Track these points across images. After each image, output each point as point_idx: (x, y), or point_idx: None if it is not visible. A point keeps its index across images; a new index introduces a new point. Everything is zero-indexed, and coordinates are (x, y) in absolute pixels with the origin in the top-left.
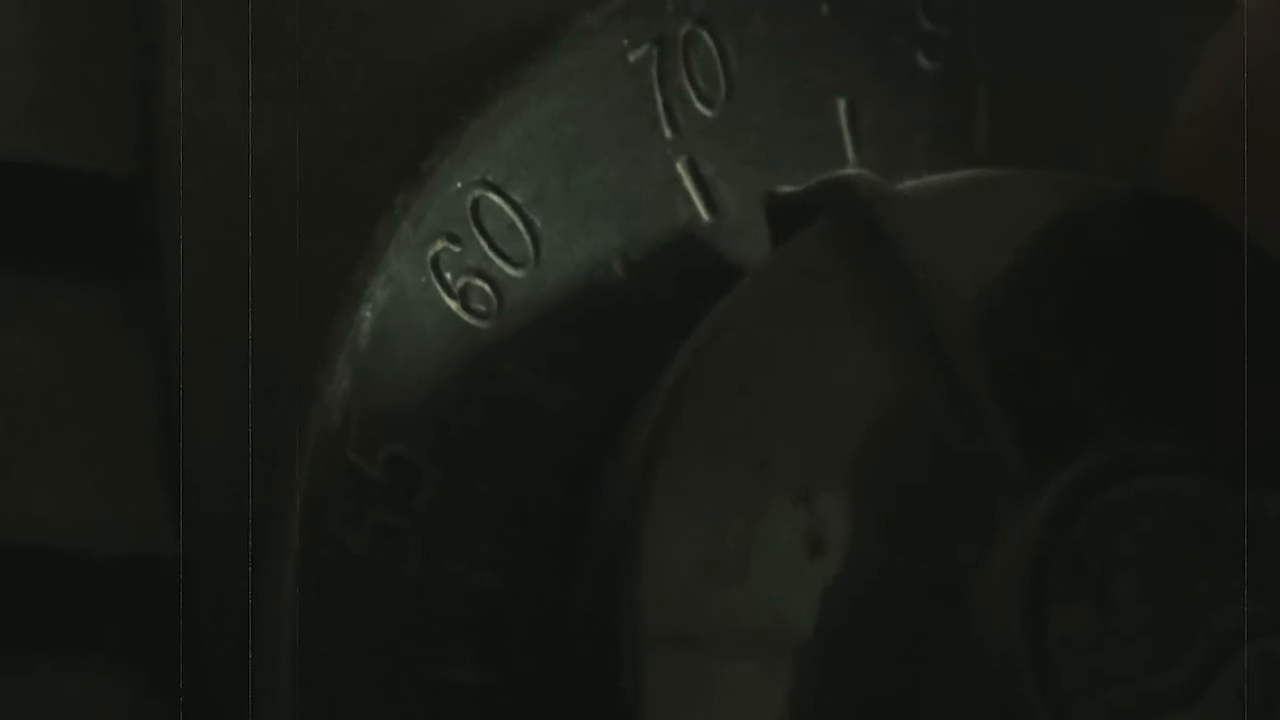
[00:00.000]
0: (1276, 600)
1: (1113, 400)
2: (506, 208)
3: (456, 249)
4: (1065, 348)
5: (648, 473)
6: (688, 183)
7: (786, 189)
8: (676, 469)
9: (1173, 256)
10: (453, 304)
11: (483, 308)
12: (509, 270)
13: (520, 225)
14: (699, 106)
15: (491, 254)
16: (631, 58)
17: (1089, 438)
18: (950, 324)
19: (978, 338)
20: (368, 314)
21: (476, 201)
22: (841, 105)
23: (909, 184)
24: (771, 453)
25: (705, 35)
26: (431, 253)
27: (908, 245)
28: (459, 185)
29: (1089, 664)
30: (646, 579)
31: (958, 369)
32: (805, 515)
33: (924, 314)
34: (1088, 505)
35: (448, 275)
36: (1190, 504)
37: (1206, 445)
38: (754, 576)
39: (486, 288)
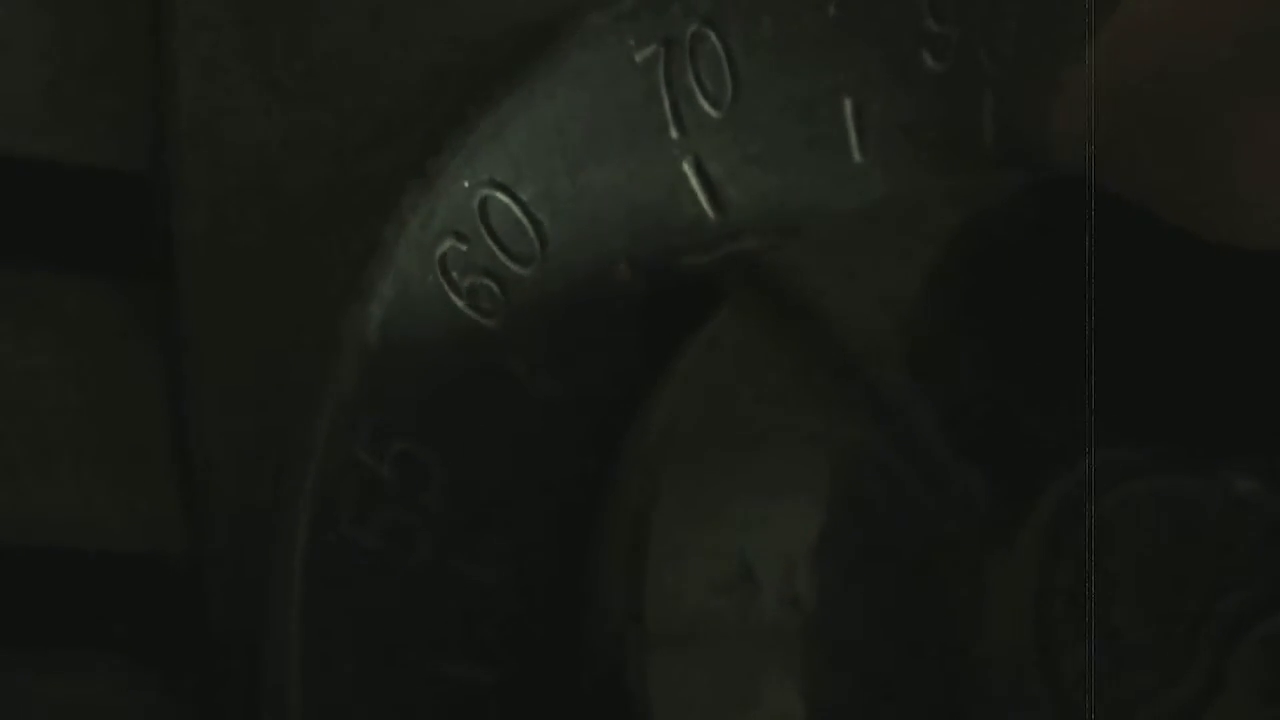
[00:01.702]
0: (1267, 583)
1: (1064, 414)
2: (514, 207)
3: (464, 248)
4: (1003, 366)
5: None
6: (694, 182)
7: (690, 261)
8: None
9: (1078, 241)
10: (460, 302)
11: (490, 306)
12: (516, 269)
13: (527, 224)
14: (706, 106)
15: (499, 253)
16: (638, 58)
17: (1050, 461)
18: (885, 375)
19: (914, 378)
20: (376, 312)
21: (484, 200)
22: (848, 105)
23: (803, 235)
24: (747, 549)
25: (712, 35)
26: (439, 251)
27: (822, 306)
28: (467, 184)
29: (1109, 695)
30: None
31: (903, 417)
32: (793, 612)
33: (855, 369)
34: (1069, 537)
35: (455, 274)
36: (1166, 505)
37: (1169, 441)
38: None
39: (494, 286)
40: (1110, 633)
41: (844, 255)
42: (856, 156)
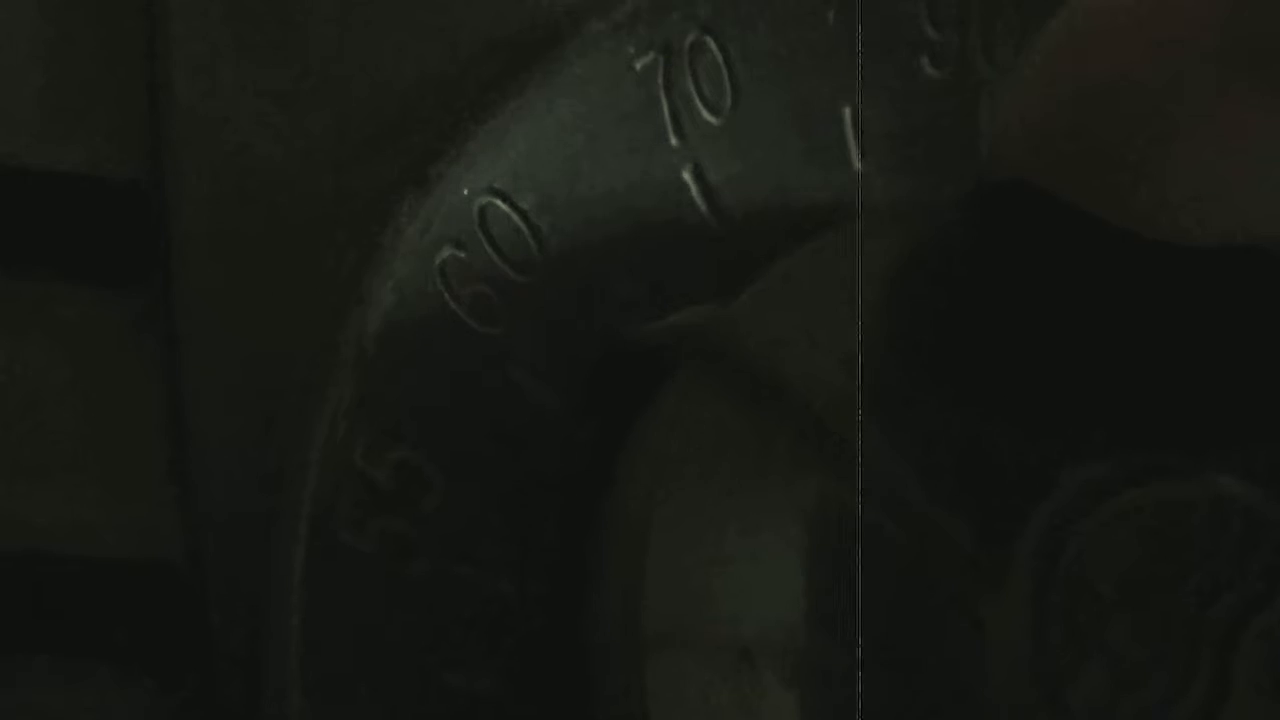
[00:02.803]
0: (1258, 578)
1: (1037, 437)
2: (513, 214)
3: (463, 255)
4: (968, 398)
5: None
6: (694, 190)
7: (634, 337)
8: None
9: (1021, 245)
10: (459, 310)
11: (489, 314)
12: (515, 276)
13: (527, 232)
14: (705, 114)
15: (498, 261)
16: (638, 65)
17: (1029, 489)
18: (853, 430)
19: (882, 430)
20: (375, 319)
21: (484, 208)
22: (847, 114)
23: (749, 295)
24: (742, 630)
25: (710, 42)
26: (438, 259)
27: (778, 369)
28: (466, 192)
29: (1118, 717)
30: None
31: (877, 471)
32: (793, 688)
33: (822, 429)
34: (1057, 565)
35: (454, 282)
36: (1150, 516)
37: (1145, 449)
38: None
39: (493, 294)
40: (1110, 655)
41: (791, 310)
42: (855, 164)
